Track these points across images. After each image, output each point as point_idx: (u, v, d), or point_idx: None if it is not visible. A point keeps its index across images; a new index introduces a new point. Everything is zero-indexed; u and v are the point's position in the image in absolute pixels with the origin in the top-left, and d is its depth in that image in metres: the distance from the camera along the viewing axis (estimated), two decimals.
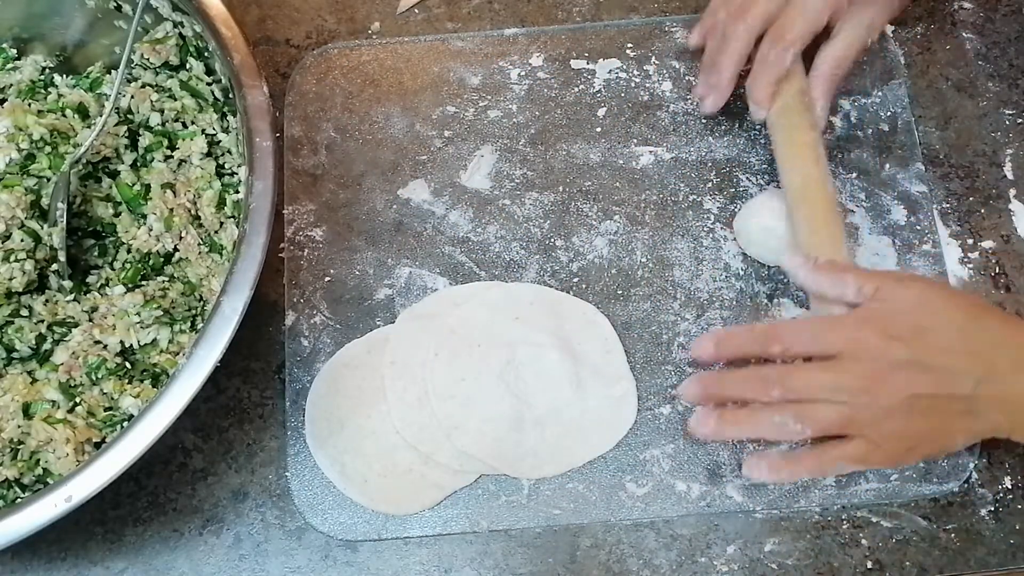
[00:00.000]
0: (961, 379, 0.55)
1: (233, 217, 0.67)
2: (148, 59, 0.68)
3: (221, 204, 0.67)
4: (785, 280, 0.68)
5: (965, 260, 0.69)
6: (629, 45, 0.75)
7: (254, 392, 0.67)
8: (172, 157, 0.68)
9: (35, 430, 0.59)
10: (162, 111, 0.68)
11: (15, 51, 0.71)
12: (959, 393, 0.55)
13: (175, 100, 0.68)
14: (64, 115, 0.68)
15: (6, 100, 0.69)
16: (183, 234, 0.65)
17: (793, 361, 0.58)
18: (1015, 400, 0.56)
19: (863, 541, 0.62)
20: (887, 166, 0.71)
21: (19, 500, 0.58)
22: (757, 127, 0.72)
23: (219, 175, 0.68)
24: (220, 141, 0.68)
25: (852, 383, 0.55)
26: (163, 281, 0.65)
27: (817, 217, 0.62)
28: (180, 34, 0.67)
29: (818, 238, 0.62)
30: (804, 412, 0.56)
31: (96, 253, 0.66)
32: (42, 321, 0.63)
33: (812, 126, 0.65)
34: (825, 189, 0.63)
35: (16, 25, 0.70)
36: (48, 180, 0.65)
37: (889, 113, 0.72)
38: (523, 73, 0.74)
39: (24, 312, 0.63)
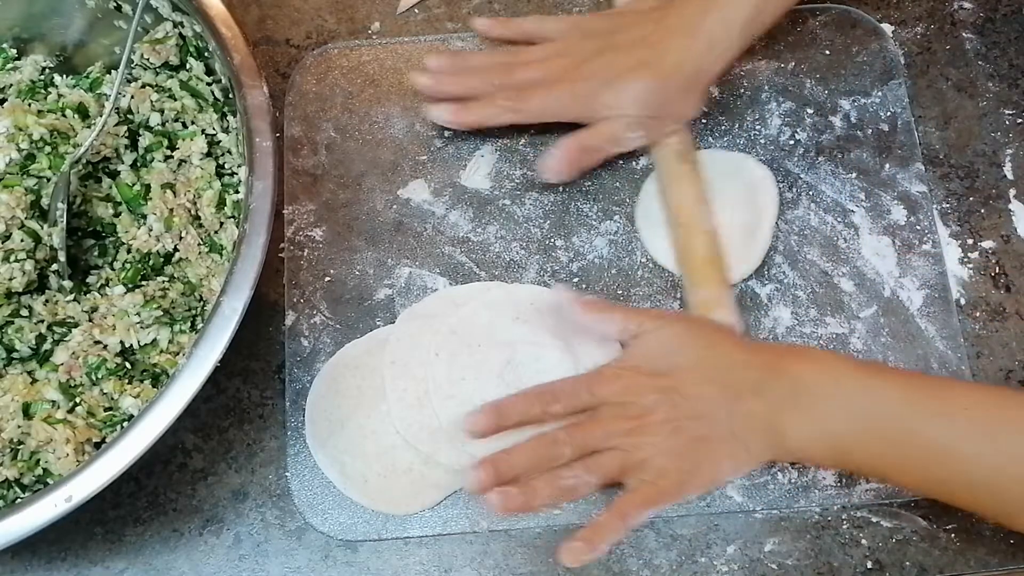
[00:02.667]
0: (713, 406, 0.58)
1: (233, 217, 0.67)
2: (148, 59, 0.68)
3: (221, 204, 0.67)
4: (784, 280, 0.68)
5: (965, 260, 0.69)
6: None
7: (254, 392, 0.67)
8: (172, 157, 0.68)
9: (35, 430, 0.59)
10: (162, 111, 0.68)
11: (15, 51, 0.71)
12: (716, 420, 0.58)
13: (175, 100, 0.68)
14: (64, 115, 0.68)
15: (6, 100, 0.69)
16: (183, 234, 0.65)
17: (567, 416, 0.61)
18: (762, 421, 0.58)
19: (863, 541, 0.62)
20: (887, 166, 0.71)
21: (19, 500, 0.58)
22: (757, 127, 0.72)
23: (219, 175, 0.68)
24: (220, 141, 0.68)
25: (620, 426, 0.59)
26: (163, 281, 0.65)
27: (703, 273, 0.66)
28: (180, 34, 0.67)
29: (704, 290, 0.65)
30: (590, 463, 0.58)
31: (96, 253, 0.66)
32: (42, 321, 0.63)
33: (695, 174, 0.68)
34: (713, 245, 0.66)
35: (16, 25, 0.70)
36: (48, 180, 0.65)
37: (889, 113, 0.72)
38: None
39: (24, 312, 0.63)
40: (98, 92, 0.70)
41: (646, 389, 0.59)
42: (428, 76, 0.70)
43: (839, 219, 0.69)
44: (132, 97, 0.68)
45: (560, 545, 0.58)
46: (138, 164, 0.68)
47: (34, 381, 0.62)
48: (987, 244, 0.69)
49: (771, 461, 0.61)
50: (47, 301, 0.64)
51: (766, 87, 0.73)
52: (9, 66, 0.70)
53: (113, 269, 0.66)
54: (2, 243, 0.62)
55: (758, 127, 0.72)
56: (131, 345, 0.62)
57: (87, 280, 0.66)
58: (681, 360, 0.60)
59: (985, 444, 0.54)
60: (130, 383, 0.62)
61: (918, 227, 0.69)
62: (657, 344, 0.61)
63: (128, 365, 0.63)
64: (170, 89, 0.69)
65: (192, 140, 0.68)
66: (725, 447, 0.58)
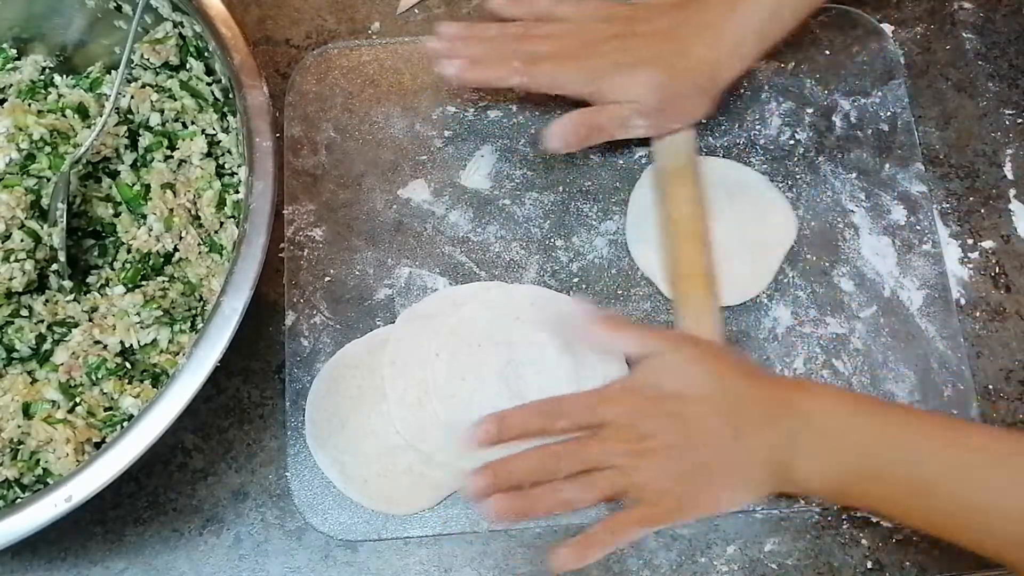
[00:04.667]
0: (717, 435, 0.58)
1: (233, 217, 0.67)
2: (148, 59, 0.68)
3: (221, 204, 0.67)
4: (784, 279, 0.68)
5: (965, 260, 0.69)
6: None
7: (254, 392, 0.67)
8: (172, 157, 0.68)
9: (35, 430, 0.59)
10: (162, 111, 0.68)
11: (15, 51, 0.71)
12: (718, 450, 0.58)
13: (175, 100, 0.68)
14: (64, 115, 0.68)
15: (6, 100, 0.69)
16: (183, 234, 0.65)
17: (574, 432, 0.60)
18: (767, 455, 0.58)
19: (863, 541, 0.62)
20: (887, 166, 0.71)
21: (19, 500, 0.57)
22: (758, 127, 0.72)
23: (219, 175, 0.68)
24: (220, 141, 0.68)
25: (621, 447, 0.58)
26: (163, 281, 0.65)
27: (688, 290, 0.66)
28: (180, 34, 0.67)
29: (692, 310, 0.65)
30: (590, 480, 0.58)
31: (96, 253, 0.66)
32: (42, 321, 0.63)
33: (694, 178, 0.68)
34: (701, 256, 0.66)
35: (16, 25, 0.70)
36: (48, 180, 0.65)
37: (889, 113, 0.72)
38: None
39: (24, 312, 0.63)
40: (98, 92, 0.70)
41: (651, 413, 0.59)
42: (438, 40, 0.69)
43: (839, 219, 0.69)
44: (132, 97, 0.68)
45: (552, 548, 0.58)
46: (138, 164, 0.68)
47: (34, 381, 0.62)
48: (987, 244, 0.69)
49: (772, 494, 0.60)
50: (47, 301, 0.64)
51: (766, 87, 0.73)
52: (9, 66, 0.70)
53: (113, 269, 0.66)
54: (2, 243, 0.61)
55: (758, 127, 0.72)
56: (131, 345, 0.62)
57: (87, 280, 0.66)
58: (689, 387, 0.59)
59: (999, 485, 0.53)
60: (130, 383, 0.62)
61: (918, 227, 0.69)
62: (667, 368, 0.60)
63: (128, 365, 0.63)
64: (170, 89, 0.69)
65: (192, 140, 0.68)
66: (725, 478, 0.58)
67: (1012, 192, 0.70)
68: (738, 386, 0.59)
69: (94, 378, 0.61)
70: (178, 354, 0.64)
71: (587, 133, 0.67)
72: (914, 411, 0.63)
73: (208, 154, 0.68)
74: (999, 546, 0.54)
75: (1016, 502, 0.53)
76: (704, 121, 0.72)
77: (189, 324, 0.65)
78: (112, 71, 0.71)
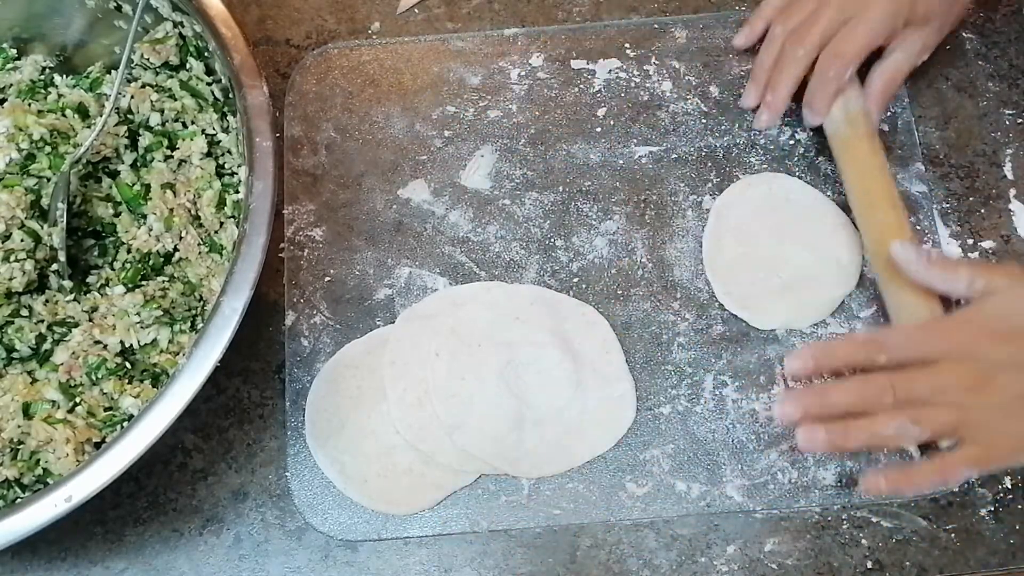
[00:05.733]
0: None
1: (233, 217, 0.67)
2: (148, 59, 0.68)
3: (221, 204, 0.67)
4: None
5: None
6: (629, 45, 0.75)
7: (254, 392, 0.67)
8: (172, 157, 0.68)
9: (35, 430, 0.59)
10: (162, 111, 0.68)
11: (15, 51, 0.71)
12: None
13: (175, 100, 0.68)
14: (64, 115, 0.68)
15: (6, 100, 0.69)
16: (183, 234, 0.65)
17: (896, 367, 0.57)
18: None
19: (863, 541, 0.62)
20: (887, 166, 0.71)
21: (19, 500, 0.57)
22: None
23: (219, 175, 0.68)
24: (220, 141, 0.68)
25: (961, 383, 0.55)
26: (163, 281, 0.65)
27: (889, 226, 0.64)
28: (180, 34, 0.67)
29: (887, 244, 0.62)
30: (920, 415, 0.55)
31: (96, 253, 0.66)
32: (42, 321, 0.63)
33: (871, 136, 0.67)
34: (895, 200, 0.65)
35: (16, 25, 0.70)
36: (48, 180, 0.65)
37: (889, 113, 0.72)
38: (523, 73, 0.74)
39: (24, 312, 0.63)
40: (98, 92, 0.70)
41: (994, 348, 0.55)
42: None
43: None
44: (132, 97, 0.68)
45: (867, 473, 0.56)
46: (138, 164, 0.68)
47: (34, 381, 0.62)
48: (987, 244, 0.69)
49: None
50: (47, 301, 0.64)
51: None
52: (9, 66, 0.70)
53: (113, 269, 0.66)
54: (2, 243, 0.61)
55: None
56: (131, 345, 0.62)
57: (87, 280, 0.66)
58: None
59: None
60: (130, 383, 0.62)
61: (918, 227, 0.69)
62: (1011, 303, 0.56)
63: (128, 365, 0.63)
64: (170, 89, 0.69)
65: (192, 140, 0.68)
66: None
67: (1012, 192, 0.70)
68: None
69: (94, 378, 0.61)
70: (178, 354, 0.64)
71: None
72: None
73: (208, 154, 0.68)
74: None
75: None
76: (704, 121, 0.72)
77: (189, 324, 0.65)
78: (112, 71, 0.71)
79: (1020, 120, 0.72)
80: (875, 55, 0.68)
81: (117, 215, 0.66)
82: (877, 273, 0.65)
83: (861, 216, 0.66)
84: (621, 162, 0.71)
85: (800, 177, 0.70)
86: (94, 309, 0.64)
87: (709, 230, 0.69)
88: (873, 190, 0.65)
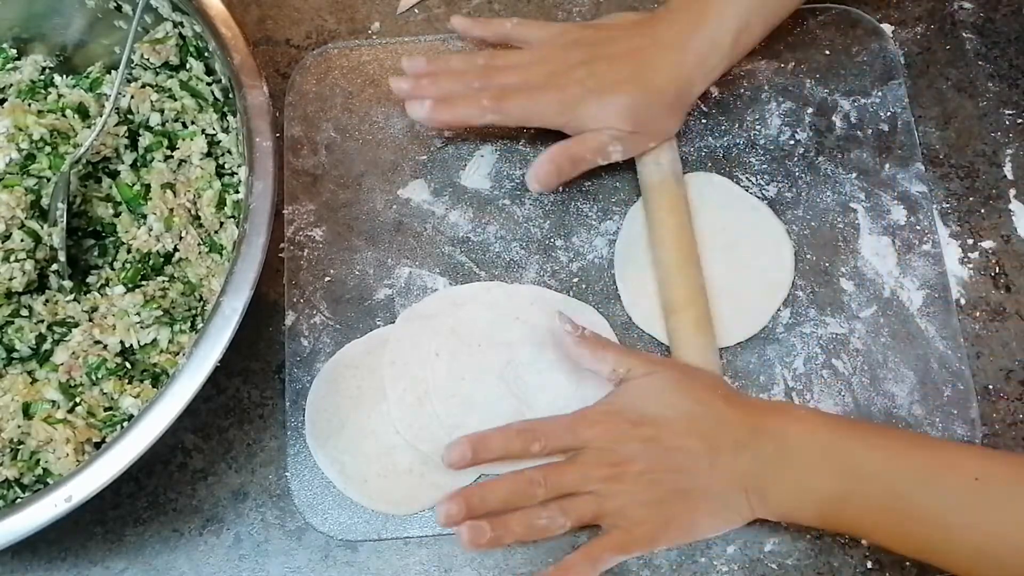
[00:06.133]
0: (694, 460, 0.58)
1: (233, 217, 0.67)
2: (148, 59, 0.68)
3: (221, 204, 0.67)
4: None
5: (965, 260, 0.69)
6: None
7: (254, 392, 0.67)
8: (172, 157, 0.68)
9: (35, 430, 0.59)
10: (162, 111, 0.68)
11: (15, 51, 0.71)
12: (696, 475, 0.58)
13: (175, 100, 0.68)
14: (64, 115, 0.68)
15: (6, 100, 0.69)
16: (183, 234, 0.65)
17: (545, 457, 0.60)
18: (744, 480, 0.58)
19: (863, 541, 0.62)
20: (887, 166, 0.71)
21: (19, 500, 0.57)
22: (757, 127, 0.72)
23: (219, 175, 0.68)
24: (220, 141, 0.68)
25: (599, 472, 0.58)
26: (163, 281, 0.65)
27: (691, 328, 0.64)
28: (180, 34, 0.67)
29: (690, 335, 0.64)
30: (565, 506, 0.58)
31: (96, 253, 0.66)
32: (42, 321, 0.63)
33: (676, 192, 0.67)
34: (699, 293, 0.65)
35: (16, 25, 0.70)
36: (48, 180, 0.65)
37: (889, 113, 0.72)
38: None
39: (24, 312, 0.63)
40: (98, 92, 0.70)
41: (628, 437, 0.59)
42: (405, 79, 0.69)
43: (839, 219, 0.69)
44: (132, 97, 0.68)
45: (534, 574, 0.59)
46: (138, 164, 0.68)
47: (34, 381, 0.62)
48: (987, 244, 0.69)
49: (750, 519, 0.59)
50: (47, 301, 0.64)
51: (766, 87, 0.73)
52: (9, 66, 0.70)
53: (113, 269, 0.66)
54: (2, 243, 0.62)
55: (758, 127, 0.72)
56: (131, 345, 0.62)
57: (87, 280, 0.66)
58: (667, 411, 0.59)
59: (978, 509, 0.53)
60: (130, 383, 0.62)
61: (918, 227, 0.69)
62: (644, 391, 0.60)
63: (128, 365, 0.63)
64: (170, 89, 0.69)
65: (192, 140, 0.68)
66: (704, 503, 0.58)
67: (1012, 192, 0.70)
68: (716, 410, 0.59)
69: (94, 378, 0.61)
70: (178, 354, 0.64)
71: (569, 167, 0.67)
72: (892, 431, 0.62)
73: (208, 154, 0.68)
74: (971, 568, 0.53)
75: (994, 526, 0.52)
76: (704, 121, 0.72)
77: (189, 324, 0.65)
78: (112, 71, 0.71)
79: (1020, 120, 0.72)
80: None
81: (117, 215, 0.66)
82: (669, 331, 0.65)
83: (660, 270, 0.66)
84: (621, 162, 0.71)
85: (800, 177, 0.70)
86: (94, 309, 0.64)
87: (621, 236, 0.69)
88: (674, 246, 0.66)
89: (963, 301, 0.67)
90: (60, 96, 0.69)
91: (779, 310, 0.67)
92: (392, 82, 0.69)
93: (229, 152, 0.68)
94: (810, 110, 0.72)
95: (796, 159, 0.71)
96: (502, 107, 0.67)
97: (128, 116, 0.68)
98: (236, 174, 0.68)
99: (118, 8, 0.68)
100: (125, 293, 0.64)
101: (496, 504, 0.58)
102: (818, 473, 0.56)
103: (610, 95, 0.65)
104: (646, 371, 0.61)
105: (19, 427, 0.60)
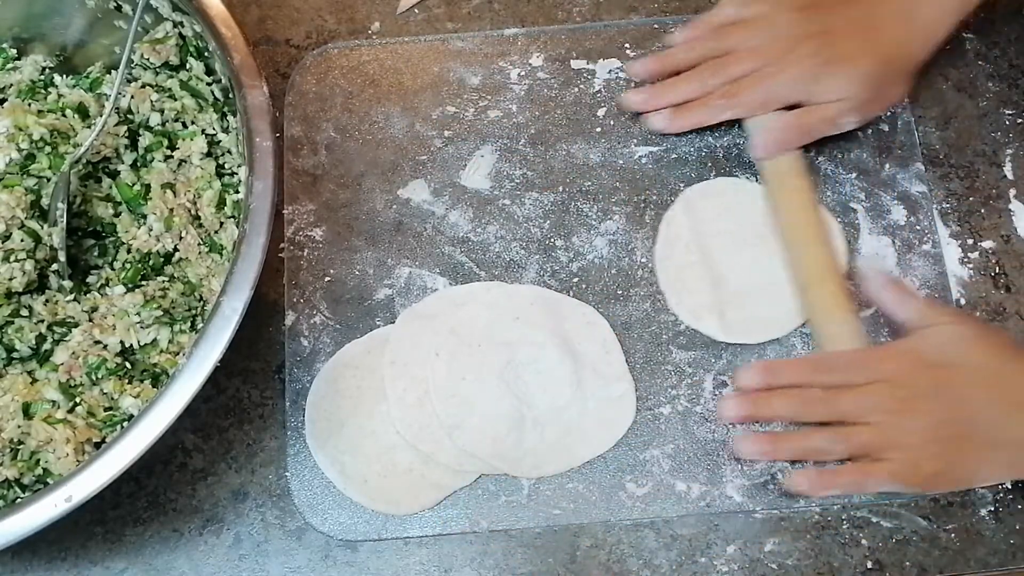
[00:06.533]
0: (984, 412, 0.59)
1: (233, 217, 0.67)
2: (148, 59, 0.68)
3: (221, 204, 0.67)
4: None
5: (965, 260, 0.69)
6: (629, 45, 0.75)
7: (254, 392, 0.67)
8: (172, 157, 0.68)
9: (35, 430, 0.59)
10: (162, 111, 0.68)
11: (15, 51, 0.71)
12: (981, 426, 0.58)
13: (175, 100, 0.68)
14: (64, 115, 0.68)
15: (6, 100, 0.69)
16: (183, 234, 0.65)
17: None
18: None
19: (863, 541, 0.62)
20: (887, 166, 0.71)
21: (19, 500, 0.57)
22: None
23: (219, 175, 0.68)
24: (220, 141, 0.68)
25: (887, 406, 0.59)
26: (163, 281, 0.65)
27: (831, 302, 0.65)
28: (180, 34, 0.67)
29: (834, 320, 0.64)
30: (846, 432, 0.60)
31: (96, 253, 0.66)
32: (42, 321, 0.63)
33: (800, 170, 0.68)
34: (834, 268, 0.66)
35: (16, 25, 0.70)
36: (48, 180, 0.65)
37: (889, 113, 0.72)
38: (523, 73, 0.74)
39: (24, 312, 0.63)
40: (98, 92, 0.70)
41: (923, 376, 0.60)
42: (638, 93, 0.71)
43: (839, 219, 0.69)
44: (132, 97, 0.68)
45: (793, 472, 0.62)
46: (138, 164, 0.68)
47: (34, 381, 0.62)
48: (987, 244, 0.69)
49: None
50: (47, 301, 0.64)
51: None
52: (9, 66, 0.70)
53: (113, 269, 0.66)
54: (2, 243, 0.61)
55: None
56: (131, 345, 0.62)
57: (87, 280, 0.66)
58: (964, 358, 0.60)
59: None
60: (130, 383, 0.62)
61: (918, 227, 0.69)
62: (945, 338, 0.60)
63: (128, 365, 0.63)
64: (170, 89, 0.69)
65: (192, 140, 0.68)
66: (985, 453, 0.59)
67: (1012, 192, 0.70)
68: (1014, 367, 0.59)
69: (94, 378, 0.61)
70: (178, 354, 0.64)
71: (799, 139, 0.68)
72: None
73: (208, 154, 0.68)
74: None
75: None
76: None
77: (189, 324, 0.65)
78: (112, 71, 0.71)
79: (1020, 120, 0.72)
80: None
81: (117, 215, 0.66)
82: (806, 308, 0.65)
83: (791, 251, 0.67)
84: (621, 162, 0.71)
85: None
86: (94, 309, 0.64)
87: (660, 240, 0.69)
88: (802, 225, 0.66)
89: (963, 301, 0.67)
90: (60, 96, 0.69)
91: None
92: (624, 98, 0.71)
93: (229, 152, 0.68)
94: None
95: None
96: (737, 102, 0.68)
97: (128, 116, 0.68)
98: (236, 174, 0.68)
99: (118, 8, 0.68)
100: (125, 293, 0.64)
101: (777, 413, 0.62)
102: None
103: (848, 65, 0.66)
104: (950, 320, 0.61)
105: (19, 427, 0.60)
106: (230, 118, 0.67)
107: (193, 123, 0.69)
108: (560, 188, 0.71)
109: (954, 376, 0.59)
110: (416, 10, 0.77)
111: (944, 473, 0.59)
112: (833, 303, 0.64)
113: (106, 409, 0.61)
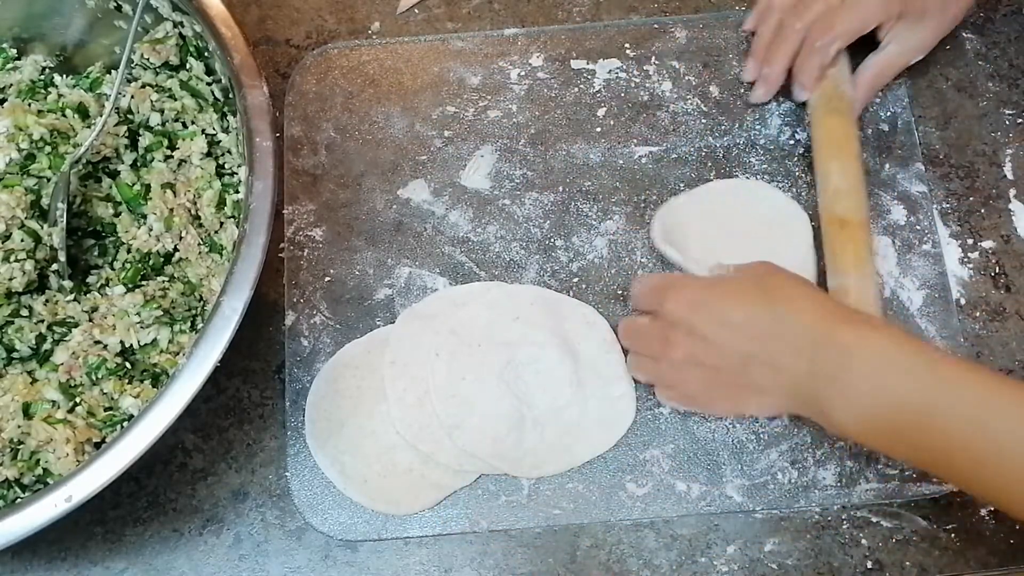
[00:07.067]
0: (729, 354, 0.60)
1: (233, 217, 0.67)
2: (148, 59, 0.68)
3: (221, 204, 0.67)
4: None
5: (965, 260, 0.69)
6: (629, 45, 0.75)
7: (254, 392, 0.67)
8: (172, 157, 0.68)
9: (35, 430, 0.59)
10: (162, 111, 0.68)
11: (15, 51, 0.71)
12: (727, 365, 0.61)
13: (175, 100, 0.68)
14: (64, 115, 0.68)
15: (6, 100, 0.69)
16: (183, 234, 0.65)
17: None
18: (789, 384, 0.59)
19: (863, 541, 0.62)
20: (887, 166, 0.71)
21: (19, 500, 0.57)
22: (757, 127, 0.72)
23: (219, 175, 0.68)
24: (220, 141, 0.68)
25: (653, 341, 0.64)
26: (163, 281, 0.65)
27: (840, 196, 0.66)
28: (180, 34, 0.67)
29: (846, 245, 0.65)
30: (635, 361, 0.66)
31: (96, 253, 0.66)
32: (42, 321, 0.63)
33: (850, 116, 0.69)
34: (860, 181, 0.67)
35: (16, 25, 0.70)
36: (48, 180, 0.65)
37: (889, 113, 0.72)
38: (523, 73, 0.74)
39: (24, 312, 0.63)
40: (98, 92, 0.70)
41: (681, 317, 0.62)
42: (751, 62, 0.73)
43: None
44: (132, 97, 0.68)
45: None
46: (138, 164, 0.68)
47: (34, 381, 0.62)
48: (987, 244, 0.69)
49: (801, 415, 0.62)
50: (47, 301, 0.64)
51: None
52: (9, 66, 0.70)
53: (113, 269, 0.66)
54: (2, 243, 0.62)
55: (758, 127, 0.72)
56: (131, 345, 0.62)
57: (87, 280, 0.66)
58: (727, 305, 0.61)
59: None
60: (130, 383, 0.62)
61: (918, 227, 0.69)
62: (726, 284, 0.63)
63: (128, 365, 0.63)
64: (170, 89, 0.69)
65: (192, 140, 0.68)
66: (747, 391, 0.61)
67: (1012, 192, 0.70)
68: (792, 313, 0.59)
69: (94, 378, 0.61)
70: (178, 354, 0.64)
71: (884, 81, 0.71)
72: (972, 364, 0.60)
73: (208, 154, 0.68)
74: None
75: None
76: (704, 121, 0.72)
77: (189, 324, 0.65)
78: (112, 71, 0.71)
79: (1020, 120, 0.72)
80: (871, 48, 0.69)
81: (117, 215, 0.66)
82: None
83: (820, 184, 0.68)
84: (621, 162, 0.71)
85: (800, 177, 0.70)
86: (94, 309, 0.64)
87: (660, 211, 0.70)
88: (837, 167, 0.67)
89: (963, 301, 0.68)
90: (60, 96, 0.69)
91: None
92: (754, 96, 0.73)
93: (229, 152, 0.68)
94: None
95: (796, 159, 0.71)
96: (832, 41, 0.68)
97: (128, 116, 0.68)
98: (236, 174, 0.68)
99: (118, 8, 0.68)
100: (125, 293, 0.64)
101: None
102: (882, 391, 0.55)
103: None
104: (738, 274, 0.63)
105: (19, 427, 0.60)
106: (230, 118, 0.67)
107: (193, 123, 0.69)
108: (560, 188, 0.71)
109: (709, 318, 0.61)
110: (416, 10, 0.77)
111: (712, 402, 0.63)
112: (853, 248, 0.65)
113: (106, 409, 0.61)
